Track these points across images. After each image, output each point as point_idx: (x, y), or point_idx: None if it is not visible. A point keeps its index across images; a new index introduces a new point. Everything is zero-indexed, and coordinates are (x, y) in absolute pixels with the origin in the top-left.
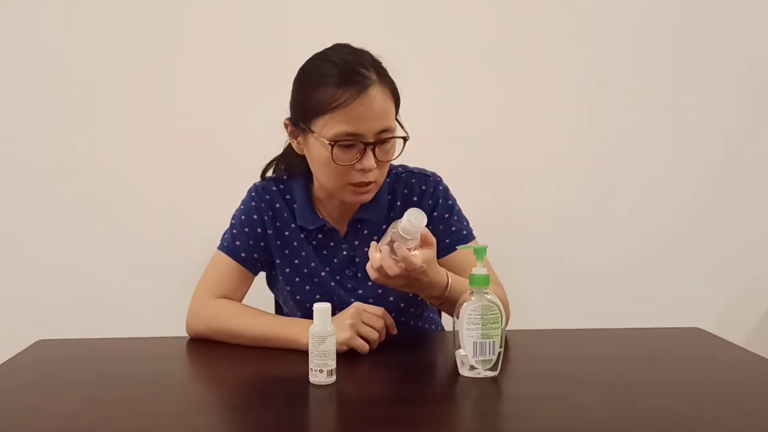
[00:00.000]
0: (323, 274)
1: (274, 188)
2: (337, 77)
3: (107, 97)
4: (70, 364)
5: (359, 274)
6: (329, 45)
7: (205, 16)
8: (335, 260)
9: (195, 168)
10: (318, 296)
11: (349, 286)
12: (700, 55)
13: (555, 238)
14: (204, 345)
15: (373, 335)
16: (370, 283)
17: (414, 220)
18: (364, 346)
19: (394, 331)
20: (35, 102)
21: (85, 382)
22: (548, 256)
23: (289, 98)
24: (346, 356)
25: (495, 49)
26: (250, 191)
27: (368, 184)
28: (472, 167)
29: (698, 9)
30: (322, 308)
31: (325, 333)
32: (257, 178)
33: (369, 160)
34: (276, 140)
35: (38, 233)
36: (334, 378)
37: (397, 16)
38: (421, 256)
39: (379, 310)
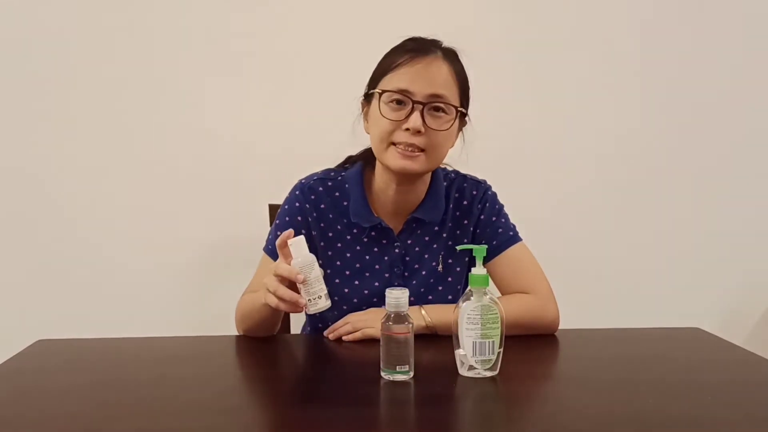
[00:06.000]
0: (368, 274)
1: (321, 188)
2: (407, 47)
3: (107, 97)
4: (70, 364)
5: (406, 273)
6: (328, 45)
7: (203, 16)
8: (386, 258)
9: (196, 168)
10: (355, 300)
11: (396, 284)
12: (702, 52)
13: (554, 237)
14: (204, 345)
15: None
16: (414, 282)
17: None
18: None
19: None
20: (34, 102)
21: (85, 382)
22: (547, 256)
23: (289, 101)
24: (346, 356)
25: (494, 48)
26: (294, 189)
27: (413, 148)
28: (472, 165)
29: (700, 8)
30: (296, 241)
31: (307, 261)
32: (256, 180)
33: (416, 119)
34: (276, 142)
35: (38, 232)
36: (329, 302)
37: (397, 15)
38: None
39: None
